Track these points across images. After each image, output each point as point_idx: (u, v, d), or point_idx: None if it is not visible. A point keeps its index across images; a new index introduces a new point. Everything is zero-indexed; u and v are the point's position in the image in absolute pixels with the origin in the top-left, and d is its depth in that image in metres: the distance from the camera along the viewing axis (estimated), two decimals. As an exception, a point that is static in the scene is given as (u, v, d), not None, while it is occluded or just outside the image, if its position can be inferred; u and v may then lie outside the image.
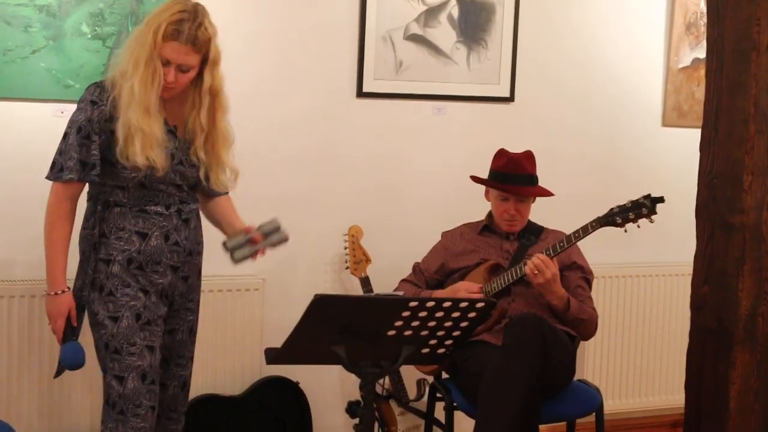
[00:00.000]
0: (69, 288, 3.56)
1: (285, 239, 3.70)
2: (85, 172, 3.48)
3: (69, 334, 3.56)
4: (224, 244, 3.64)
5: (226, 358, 4.60)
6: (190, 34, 3.43)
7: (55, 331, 3.58)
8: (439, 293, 4.32)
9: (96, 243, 3.54)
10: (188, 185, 3.65)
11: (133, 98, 3.42)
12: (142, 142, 3.43)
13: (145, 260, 3.55)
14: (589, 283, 4.37)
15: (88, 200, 3.63)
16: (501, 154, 4.38)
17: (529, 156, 4.35)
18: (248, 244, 3.63)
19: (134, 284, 3.54)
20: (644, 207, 4.05)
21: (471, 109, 5.02)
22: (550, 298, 4.11)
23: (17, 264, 4.30)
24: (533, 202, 4.40)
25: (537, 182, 4.35)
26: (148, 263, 3.56)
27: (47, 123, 4.20)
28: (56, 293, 3.54)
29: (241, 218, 3.80)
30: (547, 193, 4.36)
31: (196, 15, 3.47)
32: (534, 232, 4.40)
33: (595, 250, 4.48)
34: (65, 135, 3.52)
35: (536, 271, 4.05)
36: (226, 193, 3.84)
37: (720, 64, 3.75)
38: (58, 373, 3.66)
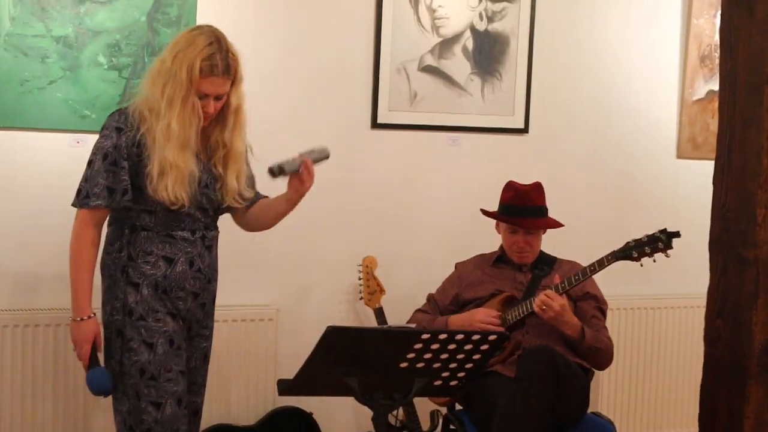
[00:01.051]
0: (94, 314, 3.57)
1: (326, 152, 3.69)
2: (113, 198, 3.50)
3: (95, 360, 3.56)
4: (269, 168, 3.58)
5: (239, 387, 4.60)
6: (224, 65, 3.49)
7: (80, 357, 3.58)
8: (456, 318, 4.31)
9: (124, 266, 3.56)
10: (213, 209, 3.68)
11: (170, 136, 3.46)
12: (175, 178, 3.47)
13: (169, 285, 3.58)
14: (603, 312, 4.36)
15: (109, 225, 3.65)
16: (509, 186, 4.38)
17: (537, 188, 4.36)
18: (291, 160, 3.62)
19: (162, 309, 3.57)
20: (660, 242, 4.05)
21: (485, 141, 5.03)
22: (564, 329, 4.11)
23: (41, 293, 4.33)
24: (544, 233, 4.40)
25: (546, 213, 4.35)
26: (173, 288, 3.58)
27: (64, 153, 4.24)
28: (82, 319, 3.55)
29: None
30: (556, 225, 4.36)
31: (221, 43, 3.52)
32: (547, 262, 4.40)
33: (608, 281, 4.47)
34: (90, 162, 3.54)
35: (544, 307, 4.05)
36: (265, 196, 3.86)
37: (733, 97, 3.74)
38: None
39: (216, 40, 3.50)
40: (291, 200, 3.73)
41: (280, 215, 3.82)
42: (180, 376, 3.59)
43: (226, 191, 3.67)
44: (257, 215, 3.85)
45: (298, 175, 3.64)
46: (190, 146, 3.52)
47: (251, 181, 3.82)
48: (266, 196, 3.88)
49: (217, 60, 3.48)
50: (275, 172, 3.58)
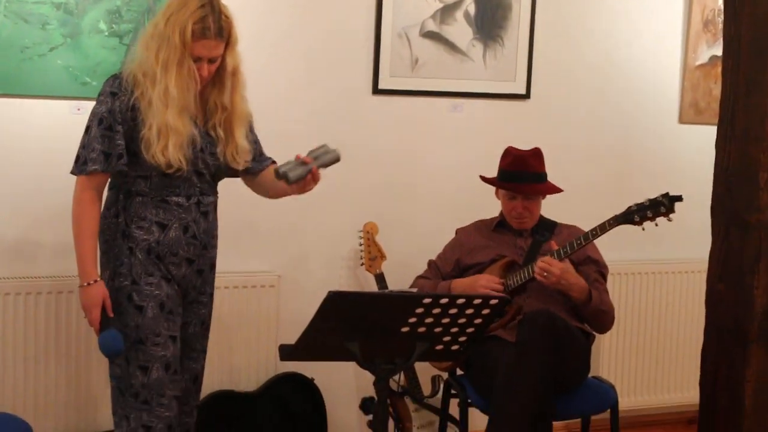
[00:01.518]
0: (100, 278, 3.58)
1: (337, 158, 3.67)
2: (108, 162, 3.50)
3: (105, 323, 3.55)
4: (276, 171, 3.56)
5: (241, 354, 4.61)
6: (216, 27, 3.48)
7: (91, 321, 3.57)
8: (458, 282, 4.32)
9: (119, 231, 3.58)
10: (210, 174, 3.67)
11: (168, 100, 3.46)
12: (174, 141, 3.47)
13: (162, 251, 3.58)
14: (604, 276, 4.36)
15: (109, 189, 3.66)
16: (507, 152, 4.38)
17: (536, 153, 4.35)
18: (300, 166, 3.58)
19: (156, 272, 3.57)
20: (662, 206, 4.04)
21: (487, 106, 5.02)
22: (571, 292, 4.10)
23: (41, 260, 4.33)
24: (543, 198, 4.40)
25: (545, 179, 4.34)
26: (166, 254, 3.59)
27: (65, 120, 4.23)
28: (89, 284, 3.54)
29: None
30: (555, 190, 4.35)
31: (213, 5, 3.50)
32: (547, 227, 4.40)
33: (611, 246, 4.47)
34: (87, 128, 3.54)
35: (545, 274, 4.05)
36: (273, 161, 3.85)
37: (737, 62, 3.75)
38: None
39: (208, 2, 3.49)
40: (294, 191, 3.71)
41: (281, 195, 3.81)
42: (169, 341, 3.59)
43: (237, 152, 3.66)
44: (268, 184, 3.84)
45: (304, 180, 3.62)
46: (189, 110, 3.52)
47: (255, 144, 3.81)
48: (273, 161, 3.86)
49: (209, 22, 3.46)
50: (280, 177, 3.56)
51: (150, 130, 3.47)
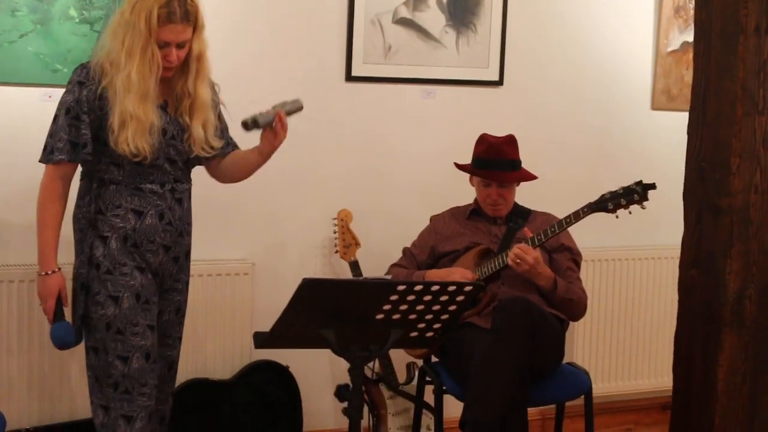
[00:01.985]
0: (59, 268, 3.57)
1: (300, 106, 3.69)
2: (75, 152, 3.49)
3: (60, 314, 3.56)
4: (242, 121, 3.57)
5: (215, 342, 4.60)
6: (182, 11, 3.47)
7: (45, 311, 3.59)
8: (432, 273, 4.32)
9: (92, 220, 3.56)
10: (182, 161, 3.66)
11: (130, 86, 3.44)
12: (135, 129, 3.45)
13: (139, 238, 3.57)
14: (577, 264, 4.38)
15: (81, 178, 3.65)
16: (482, 140, 4.38)
17: (510, 140, 4.35)
18: (265, 114, 3.61)
19: (130, 262, 3.56)
20: (636, 193, 4.06)
21: (460, 93, 5.02)
22: (537, 280, 4.13)
23: (11, 248, 4.31)
24: (518, 186, 4.40)
25: (519, 166, 4.35)
26: (143, 242, 3.58)
27: (35, 107, 4.19)
28: (47, 273, 3.55)
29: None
30: (529, 177, 4.36)
31: None
32: (521, 215, 4.41)
33: (583, 233, 4.48)
34: (55, 117, 3.53)
35: (518, 260, 4.06)
36: (235, 148, 3.86)
37: (708, 47, 3.75)
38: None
39: None
40: (264, 152, 3.72)
41: (253, 167, 3.81)
42: (148, 330, 3.59)
43: (193, 141, 3.64)
44: (230, 167, 3.84)
45: (271, 128, 3.62)
46: (150, 97, 3.49)
47: (222, 131, 3.81)
48: (238, 148, 3.86)
49: (174, 6, 3.45)
50: (249, 125, 3.57)
51: (113, 117, 3.46)
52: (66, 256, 3.66)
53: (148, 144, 3.48)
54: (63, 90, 3.57)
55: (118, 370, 3.54)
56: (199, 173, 3.83)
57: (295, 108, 3.68)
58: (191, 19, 3.50)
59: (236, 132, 3.75)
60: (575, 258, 4.37)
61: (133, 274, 3.57)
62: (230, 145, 3.86)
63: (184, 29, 3.49)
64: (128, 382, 3.55)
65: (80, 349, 3.67)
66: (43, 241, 3.55)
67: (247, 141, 3.80)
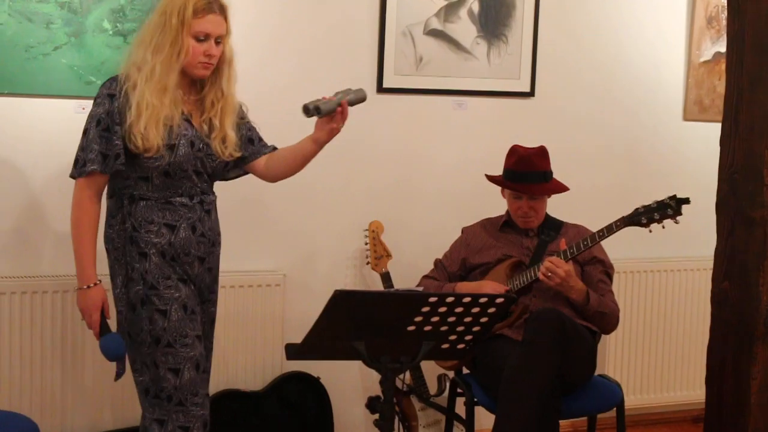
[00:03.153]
0: (100, 281, 3.57)
1: (364, 96, 3.67)
2: (106, 163, 3.50)
3: (105, 326, 3.56)
4: (305, 106, 3.55)
5: (247, 353, 4.61)
6: (218, 4, 3.52)
7: (90, 325, 3.58)
8: (463, 286, 4.31)
9: (130, 237, 3.57)
10: (208, 174, 3.67)
11: (152, 77, 3.47)
12: (149, 116, 3.46)
13: (176, 252, 3.58)
14: (610, 276, 4.36)
15: (109, 197, 3.65)
16: (513, 151, 4.37)
17: (541, 152, 4.34)
18: (328, 101, 3.59)
19: (173, 275, 3.58)
20: (669, 207, 4.05)
21: (491, 105, 5.02)
22: (569, 294, 4.11)
23: (44, 259, 4.33)
24: (549, 197, 4.39)
25: (551, 178, 4.33)
26: (179, 254, 3.59)
27: (69, 119, 4.22)
28: (88, 286, 3.55)
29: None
30: (561, 189, 4.35)
31: None
32: (553, 227, 4.39)
33: (615, 245, 4.45)
34: (85, 131, 3.54)
35: (549, 274, 4.05)
36: (275, 148, 3.85)
37: (740, 59, 3.74)
38: (118, 375, 3.62)
39: None
40: (320, 141, 3.69)
41: (307, 157, 3.76)
42: (196, 341, 3.60)
43: (225, 141, 3.64)
44: (279, 163, 3.80)
45: (332, 116, 3.61)
46: (169, 91, 3.50)
47: (256, 135, 3.81)
48: (275, 147, 3.85)
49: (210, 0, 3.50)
50: (310, 111, 3.54)
51: (129, 110, 3.47)
52: (101, 267, 3.67)
53: (160, 136, 3.48)
54: (97, 103, 3.59)
55: (170, 383, 3.55)
56: (229, 184, 3.84)
57: (359, 98, 3.65)
58: (225, 13, 3.54)
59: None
60: (607, 270, 4.35)
61: (178, 286, 3.58)
62: (269, 146, 3.84)
63: (221, 21, 3.53)
64: (181, 393, 3.56)
65: (108, 363, 3.66)
66: (81, 255, 3.55)
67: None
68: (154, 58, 3.47)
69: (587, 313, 4.15)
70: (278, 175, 3.84)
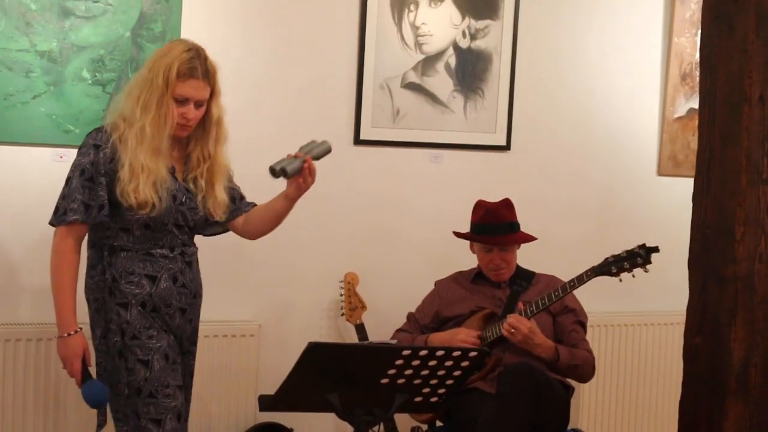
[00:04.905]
0: (81, 328, 3.56)
1: (328, 149, 3.70)
2: (88, 213, 3.50)
3: (87, 373, 3.55)
4: (271, 168, 3.57)
5: (220, 403, 4.59)
6: (203, 69, 3.53)
7: (72, 373, 3.56)
8: (437, 336, 4.32)
9: (110, 288, 3.56)
10: (189, 227, 3.68)
11: (144, 139, 3.47)
12: (146, 179, 3.46)
13: (157, 303, 3.58)
14: (583, 325, 4.37)
15: (90, 248, 3.65)
16: (479, 206, 4.40)
17: (507, 204, 4.38)
18: (294, 160, 3.60)
19: (155, 325, 3.57)
20: (639, 257, 4.07)
21: (467, 157, 5.05)
22: (536, 351, 4.12)
23: (22, 307, 4.32)
24: (518, 248, 4.41)
25: (518, 228, 4.36)
26: (161, 306, 3.58)
27: (47, 167, 4.24)
28: (69, 334, 3.53)
29: None
30: (529, 239, 4.37)
31: (199, 51, 3.56)
32: (525, 277, 4.41)
33: (589, 298, 4.48)
34: (68, 180, 3.54)
35: (512, 330, 4.06)
36: (255, 205, 3.86)
37: (712, 116, 3.77)
38: (99, 426, 3.61)
39: (194, 48, 3.56)
40: (290, 197, 3.71)
41: (282, 214, 3.79)
42: (177, 391, 3.59)
43: (216, 205, 3.67)
44: (257, 220, 3.83)
45: (301, 175, 3.63)
46: (162, 152, 3.52)
47: (238, 194, 3.83)
48: (254, 204, 3.87)
49: (196, 64, 3.51)
50: (276, 173, 3.56)
51: (122, 169, 3.47)
52: (81, 316, 3.65)
53: (158, 195, 3.49)
54: (75, 150, 3.60)
55: None
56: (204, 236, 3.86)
57: (323, 151, 3.68)
58: (209, 79, 3.55)
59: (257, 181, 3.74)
60: (580, 319, 4.36)
61: (160, 336, 3.57)
62: (249, 203, 3.87)
63: (203, 87, 3.54)
64: None
65: (88, 408, 3.63)
66: (61, 304, 3.54)
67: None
68: (143, 117, 3.48)
69: (560, 369, 4.16)
70: (255, 233, 3.88)
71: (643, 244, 4.09)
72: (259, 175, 3.88)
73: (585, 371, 4.25)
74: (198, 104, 3.55)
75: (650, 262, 4.07)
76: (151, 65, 3.53)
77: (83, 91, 4.31)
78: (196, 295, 3.72)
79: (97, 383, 3.54)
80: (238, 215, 3.83)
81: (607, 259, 4.13)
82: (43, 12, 4.21)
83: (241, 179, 3.87)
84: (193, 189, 3.65)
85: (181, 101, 3.52)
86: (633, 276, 4.14)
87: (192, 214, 3.65)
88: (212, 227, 3.83)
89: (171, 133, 3.54)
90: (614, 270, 4.10)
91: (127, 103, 3.54)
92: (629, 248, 4.11)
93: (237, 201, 3.83)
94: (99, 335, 3.59)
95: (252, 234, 3.88)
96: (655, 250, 4.06)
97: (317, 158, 3.66)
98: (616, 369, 5.30)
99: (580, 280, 4.11)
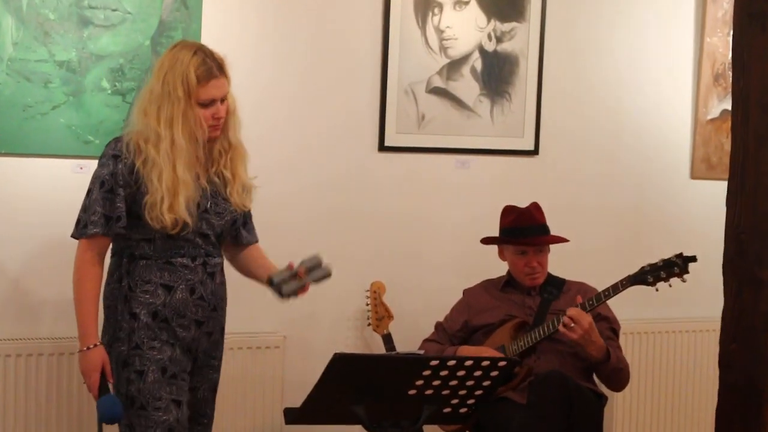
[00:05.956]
0: (101, 342, 3.54)
1: (328, 274, 3.64)
2: (109, 226, 3.47)
3: (105, 388, 3.51)
4: (269, 279, 3.57)
5: (246, 416, 4.55)
6: (217, 65, 3.51)
7: (90, 386, 3.53)
8: (465, 349, 4.27)
9: (124, 297, 3.53)
10: (215, 235, 3.63)
11: (178, 153, 3.45)
12: (185, 196, 3.45)
13: (170, 313, 3.54)
14: (616, 333, 4.33)
15: (112, 256, 3.63)
16: (508, 210, 4.36)
17: (537, 207, 4.34)
18: (293, 278, 3.58)
19: (161, 336, 3.53)
20: (676, 266, 4.03)
21: (495, 163, 4.99)
22: (590, 350, 4.04)
23: (42, 321, 4.29)
24: (549, 252, 4.35)
25: (549, 231, 4.32)
26: (174, 317, 3.54)
27: (67, 179, 4.21)
28: (89, 348, 3.50)
29: (274, 263, 3.77)
30: (562, 240, 4.32)
31: (203, 48, 3.55)
32: (555, 285, 4.35)
33: (623, 305, 4.41)
34: (89, 191, 3.52)
35: (572, 324, 3.98)
36: (256, 242, 3.84)
37: (746, 117, 3.71)
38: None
39: (198, 48, 3.54)
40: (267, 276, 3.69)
41: (257, 280, 3.79)
42: (171, 405, 3.52)
43: (244, 189, 3.65)
44: (244, 260, 3.82)
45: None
46: (194, 165, 3.51)
47: (246, 219, 3.80)
48: (257, 240, 3.84)
49: (209, 63, 3.49)
50: (274, 288, 3.58)
51: (155, 193, 3.43)
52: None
53: (192, 214, 3.48)
54: (95, 161, 3.57)
55: None
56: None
57: (323, 277, 3.63)
58: (225, 71, 3.54)
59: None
60: (613, 327, 4.32)
61: (162, 349, 3.53)
62: (254, 235, 3.84)
63: (224, 82, 3.53)
64: None
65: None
66: (82, 317, 3.51)
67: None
68: (170, 132, 3.45)
69: (607, 370, 4.10)
70: (234, 264, 3.86)
71: (680, 253, 4.04)
72: (284, 188, 3.85)
73: (625, 378, 4.22)
74: (223, 100, 3.54)
75: (688, 272, 4.02)
76: (162, 78, 3.48)
77: (103, 101, 4.27)
78: (216, 308, 3.66)
79: (113, 398, 3.50)
80: (246, 242, 3.80)
81: (643, 267, 4.08)
82: (61, 21, 4.18)
83: (263, 190, 3.83)
84: (218, 182, 3.62)
85: (208, 104, 3.49)
86: (670, 286, 4.07)
87: (218, 219, 3.61)
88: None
89: (205, 139, 3.52)
90: (650, 279, 4.05)
91: (145, 123, 3.50)
92: (666, 257, 4.05)
93: (248, 220, 3.80)
94: (106, 343, 3.56)
95: (231, 262, 3.86)
96: (693, 259, 4.00)
97: (316, 282, 3.63)
98: (650, 377, 5.23)
99: (616, 289, 4.06)
